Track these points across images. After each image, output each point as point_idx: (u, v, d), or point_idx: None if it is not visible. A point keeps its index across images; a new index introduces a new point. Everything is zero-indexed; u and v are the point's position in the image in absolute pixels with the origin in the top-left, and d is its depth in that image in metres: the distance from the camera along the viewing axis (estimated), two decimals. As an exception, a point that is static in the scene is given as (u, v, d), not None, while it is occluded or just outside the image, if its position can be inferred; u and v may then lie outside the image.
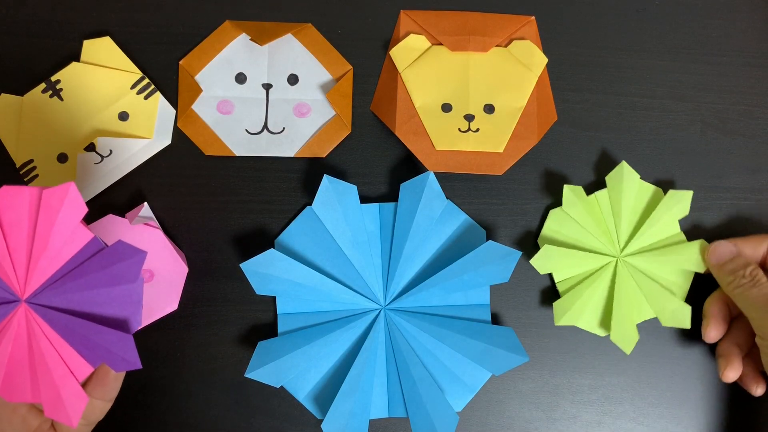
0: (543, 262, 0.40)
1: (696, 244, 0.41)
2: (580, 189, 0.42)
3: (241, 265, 0.38)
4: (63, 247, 0.30)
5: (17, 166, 0.42)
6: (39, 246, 0.29)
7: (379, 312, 0.40)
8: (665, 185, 0.44)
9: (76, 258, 0.30)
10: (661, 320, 0.40)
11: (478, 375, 0.40)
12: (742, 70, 0.45)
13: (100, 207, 0.42)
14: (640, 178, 0.43)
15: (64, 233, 0.30)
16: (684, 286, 0.42)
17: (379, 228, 0.42)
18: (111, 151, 0.42)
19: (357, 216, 0.41)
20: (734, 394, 0.42)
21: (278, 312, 0.41)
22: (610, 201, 0.42)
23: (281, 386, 0.40)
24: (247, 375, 0.38)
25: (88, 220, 0.41)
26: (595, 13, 0.45)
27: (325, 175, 0.40)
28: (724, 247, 0.39)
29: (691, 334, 0.43)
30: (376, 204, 0.42)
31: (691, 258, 0.40)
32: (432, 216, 0.40)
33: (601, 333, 0.41)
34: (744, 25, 0.45)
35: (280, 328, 0.41)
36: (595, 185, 0.43)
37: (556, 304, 0.41)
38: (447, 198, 0.42)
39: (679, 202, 0.41)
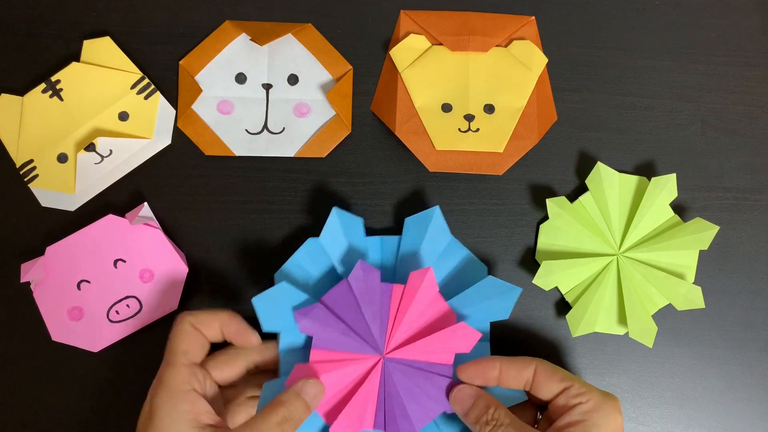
0: (545, 278, 0.40)
1: (693, 224, 0.41)
2: (563, 199, 0.42)
3: (253, 299, 0.35)
4: (420, 316, 0.37)
5: (17, 166, 0.42)
6: (400, 315, 0.37)
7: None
8: (665, 185, 0.44)
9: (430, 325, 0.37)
10: (676, 305, 0.41)
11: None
12: (742, 70, 0.45)
13: (100, 207, 0.42)
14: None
15: (421, 305, 0.37)
16: (691, 266, 0.42)
17: (380, 262, 0.41)
18: (111, 151, 0.42)
19: (362, 249, 0.40)
20: (735, 394, 0.42)
21: (280, 349, 0.37)
22: (595, 203, 0.42)
23: None
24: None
25: (88, 220, 0.41)
26: (595, 13, 0.45)
27: (334, 207, 0.38)
28: (464, 393, 0.35)
29: (692, 334, 0.43)
30: (378, 237, 0.41)
31: (690, 238, 0.40)
32: (435, 251, 0.39)
33: (621, 331, 0.41)
34: (744, 24, 0.45)
35: (283, 368, 0.37)
36: (595, 185, 0.44)
37: (568, 317, 0.41)
38: (450, 230, 0.40)
39: (665, 187, 0.41)
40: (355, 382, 0.36)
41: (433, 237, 0.39)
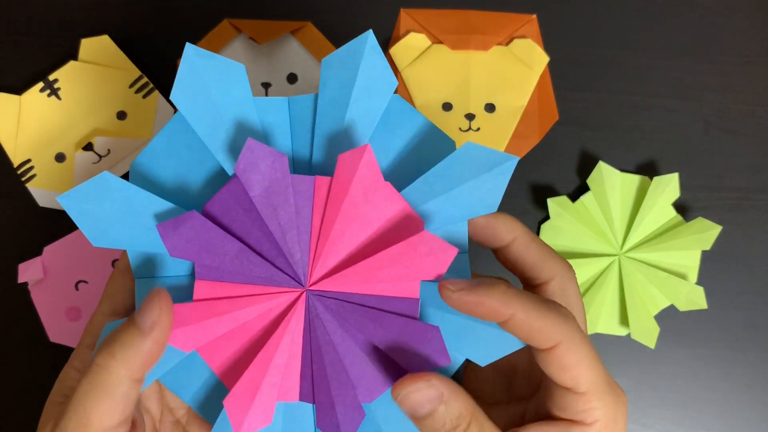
0: None
1: (695, 223, 0.41)
2: (564, 198, 0.42)
3: (57, 197, 0.23)
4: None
5: (15, 166, 0.41)
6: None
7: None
8: (667, 185, 0.43)
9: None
10: (678, 306, 0.40)
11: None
12: (744, 69, 0.45)
13: (98, 207, 0.42)
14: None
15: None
16: (694, 266, 0.42)
17: (291, 141, 0.25)
18: (109, 151, 0.42)
19: (251, 117, 0.25)
20: (737, 395, 0.42)
21: (134, 274, 0.25)
22: (597, 202, 0.42)
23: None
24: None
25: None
26: (596, 12, 0.45)
27: (187, 43, 0.24)
28: (422, 394, 0.23)
29: (694, 335, 0.42)
30: (284, 98, 0.25)
31: (692, 238, 0.40)
32: (373, 111, 0.24)
33: (623, 332, 0.41)
34: (746, 23, 0.45)
35: (138, 300, 0.25)
36: (596, 185, 0.43)
37: None
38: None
39: (668, 187, 0.41)
40: (264, 330, 0.24)
41: (367, 86, 0.24)
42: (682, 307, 0.40)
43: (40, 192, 0.42)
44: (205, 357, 0.24)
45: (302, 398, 0.24)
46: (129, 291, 0.26)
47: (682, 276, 0.41)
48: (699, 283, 0.42)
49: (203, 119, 0.24)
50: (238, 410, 0.23)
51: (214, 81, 0.24)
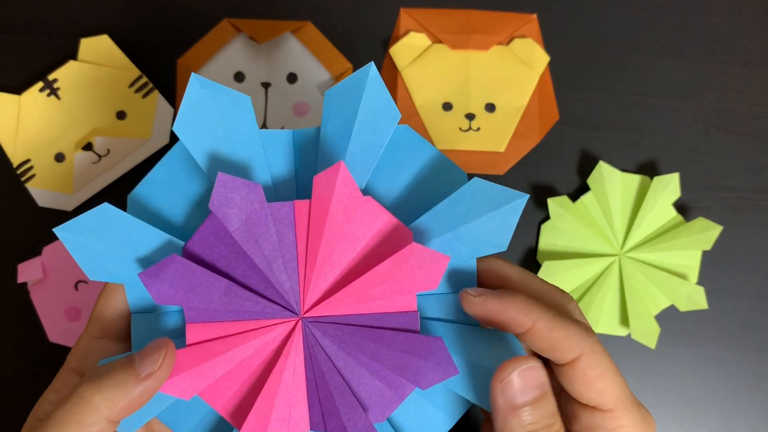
0: (547, 279, 0.40)
1: (696, 223, 0.41)
2: (564, 198, 0.41)
3: (54, 229, 0.23)
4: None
5: (14, 166, 0.41)
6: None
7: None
8: (668, 185, 0.43)
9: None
10: (678, 306, 0.40)
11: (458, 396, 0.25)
12: (745, 68, 0.45)
13: (97, 207, 0.42)
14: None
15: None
16: (694, 266, 0.42)
17: (295, 174, 0.25)
18: (109, 151, 0.42)
19: (256, 149, 0.24)
20: (738, 395, 0.42)
21: (131, 308, 0.24)
22: (597, 202, 0.42)
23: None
24: None
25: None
26: (597, 11, 0.45)
27: (192, 73, 0.24)
28: (533, 376, 0.22)
29: (694, 335, 0.42)
30: (288, 131, 0.25)
31: (693, 238, 0.40)
32: (377, 143, 0.24)
33: (624, 333, 0.41)
34: (747, 23, 0.45)
35: (135, 338, 0.24)
36: (597, 185, 0.43)
37: None
38: None
39: (668, 186, 0.41)
40: (265, 365, 0.24)
41: (370, 119, 0.23)
42: (683, 307, 0.40)
43: (40, 192, 0.42)
44: (208, 400, 0.24)
45: (313, 428, 0.24)
46: (117, 312, 0.25)
47: (683, 276, 0.41)
48: (699, 283, 0.42)
49: (206, 151, 0.23)
50: None
51: (219, 113, 0.23)
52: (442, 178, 0.25)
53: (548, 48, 0.44)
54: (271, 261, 0.23)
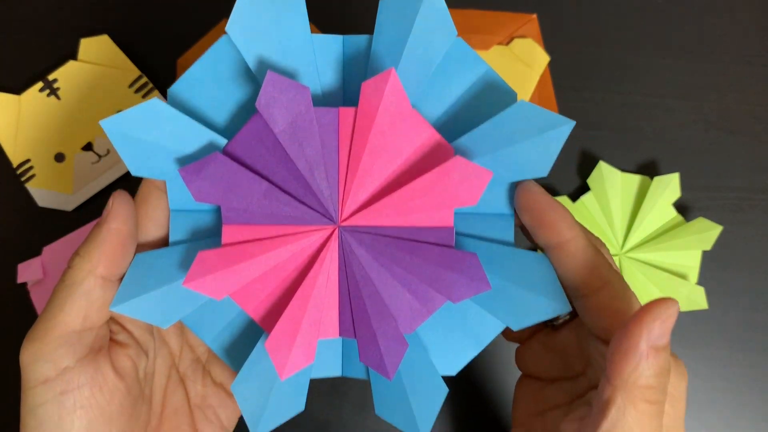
0: None
1: (696, 223, 0.41)
2: (564, 198, 0.42)
3: (100, 122, 0.22)
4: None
5: (14, 166, 0.41)
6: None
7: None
8: (668, 185, 0.43)
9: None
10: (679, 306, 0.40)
11: (487, 322, 0.25)
12: (745, 68, 0.45)
13: (97, 207, 0.42)
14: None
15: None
16: (694, 266, 0.42)
17: (342, 80, 0.24)
18: (108, 151, 0.42)
19: (307, 55, 0.23)
20: (738, 395, 0.42)
21: (171, 206, 0.24)
22: (597, 202, 0.42)
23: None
24: (114, 309, 0.23)
25: (86, 220, 0.41)
26: (597, 12, 0.45)
27: None
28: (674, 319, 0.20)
29: (694, 335, 0.42)
30: (338, 36, 0.24)
31: (693, 238, 0.40)
32: (430, 59, 0.23)
33: None
34: (747, 23, 0.45)
35: (173, 234, 0.24)
36: (597, 185, 0.43)
37: None
38: None
39: (668, 186, 0.41)
40: (299, 270, 0.24)
41: (424, 34, 0.22)
42: (683, 307, 0.40)
43: (40, 192, 0.42)
44: (239, 302, 0.24)
45: (343, 334, 0.24)
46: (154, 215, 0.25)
47: (683, 276, 0.41)
48: (699, 283, 0.42)
49: (256, 53, 0.23)
50: (280, 351, 0.23)
51: (272, 15, 0.22)
52: (490, 96, 0.24)
53: (548, 48, 0.44)
54: (313, 167, 0.23)
